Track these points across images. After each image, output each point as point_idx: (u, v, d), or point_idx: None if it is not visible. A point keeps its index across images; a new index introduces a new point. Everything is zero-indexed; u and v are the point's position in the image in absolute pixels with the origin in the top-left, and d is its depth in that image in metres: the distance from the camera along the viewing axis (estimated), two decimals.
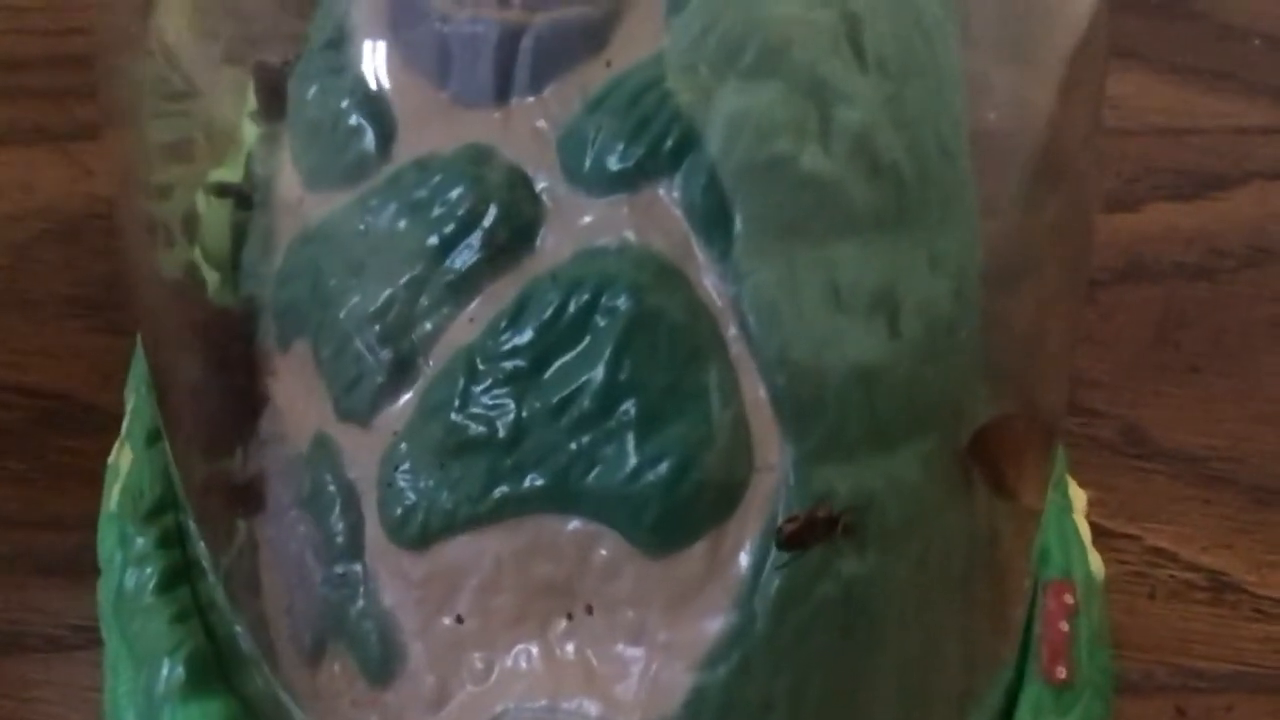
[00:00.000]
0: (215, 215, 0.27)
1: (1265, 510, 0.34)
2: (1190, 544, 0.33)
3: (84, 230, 0.38)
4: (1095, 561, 0.29)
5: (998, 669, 0.25)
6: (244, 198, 0.26)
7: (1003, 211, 0.24)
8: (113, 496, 0.29)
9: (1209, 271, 0.39)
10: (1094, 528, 0.30)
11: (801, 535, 0.20)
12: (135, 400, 0.30)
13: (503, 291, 0.21)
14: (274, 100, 0.26)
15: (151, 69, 0.27)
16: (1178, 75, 0.43)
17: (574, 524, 0.21)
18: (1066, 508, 0.29)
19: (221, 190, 0.27)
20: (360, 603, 0.23)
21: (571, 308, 0.21)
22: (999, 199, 0.24)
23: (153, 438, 0.29)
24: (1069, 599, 0.27)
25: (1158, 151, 0.41)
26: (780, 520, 0.21)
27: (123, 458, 0.29)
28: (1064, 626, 0.27)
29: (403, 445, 0.22)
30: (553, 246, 0.21)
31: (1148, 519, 0.34)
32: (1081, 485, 0.30)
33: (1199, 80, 0.43)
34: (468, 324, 0.22)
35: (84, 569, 0.29)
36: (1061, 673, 0.26)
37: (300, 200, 0.24)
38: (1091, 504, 0.30)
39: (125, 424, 0.30)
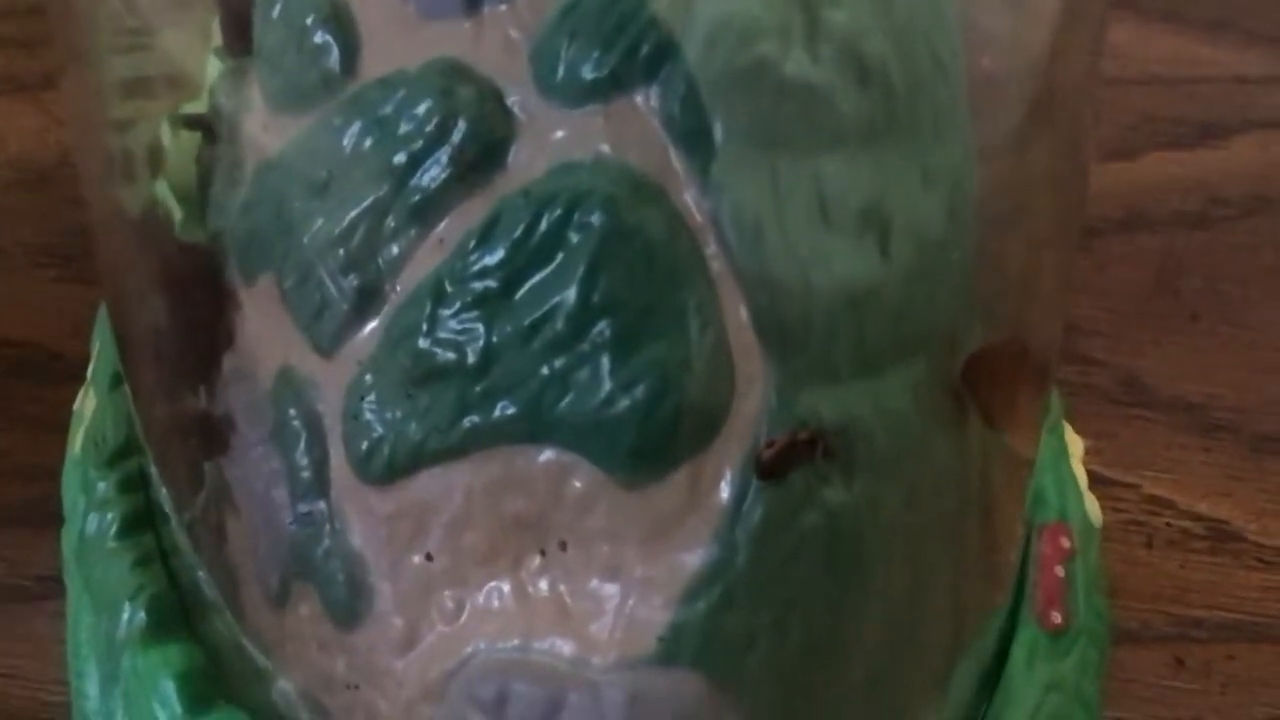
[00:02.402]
0: (181, 149, 0.26)
1: (1265, 459, 0.33)
2: (1189, 492, 0.33)
3: (54, 180, 0.38)
4: (1092, 507, 0.28)
5: (989, 612, 0.25)
6: (211, 130, 0.26)
7: (995, 153, 0.24)
8: (76, 441, 0.28)
9: (1209, 220, 0.38)
10: (1091, 476, 0.29)
11: (780, 460, 0.20)
12: (100, 344, 0.29)
13: (473, 211, 0.20)
14: (240, 30, 0.25)
15: (109, 4, 0.26)
16: (1177, 24, 0.43)
17: (547, 455, 0.20)
18: (1062, 452, 0.28)
19: (188, 122, 0.26)
20: (326, 542, 0.22)
21: (544, 225, 0.20)
22: (991, 140, 0.24)
23: (116, 381, 0.28)
24: (1065, 542, 0.26)
25: (1157, 100, 0.41)
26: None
27: (87, 403, 0.29)
28: (1059, 571, 0.26)
29: (368, 376, 0.21)
30: (525, 162, 0.20)
31: (1146, 467, 0.33)
32: (1079, 434, 0.30)
33: (1198, 29, 0.43)
34: (436, 245, 0.21)
35: (49, 519, 0.28)
36: (1057, 618, 0.25)
37: (265, 127, 0.23)
38: (1089, 452, 0.30)
39: (90, 368, 0.30)
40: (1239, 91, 0.41)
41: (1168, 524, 0.32)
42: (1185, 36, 0.43)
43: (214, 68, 0.26)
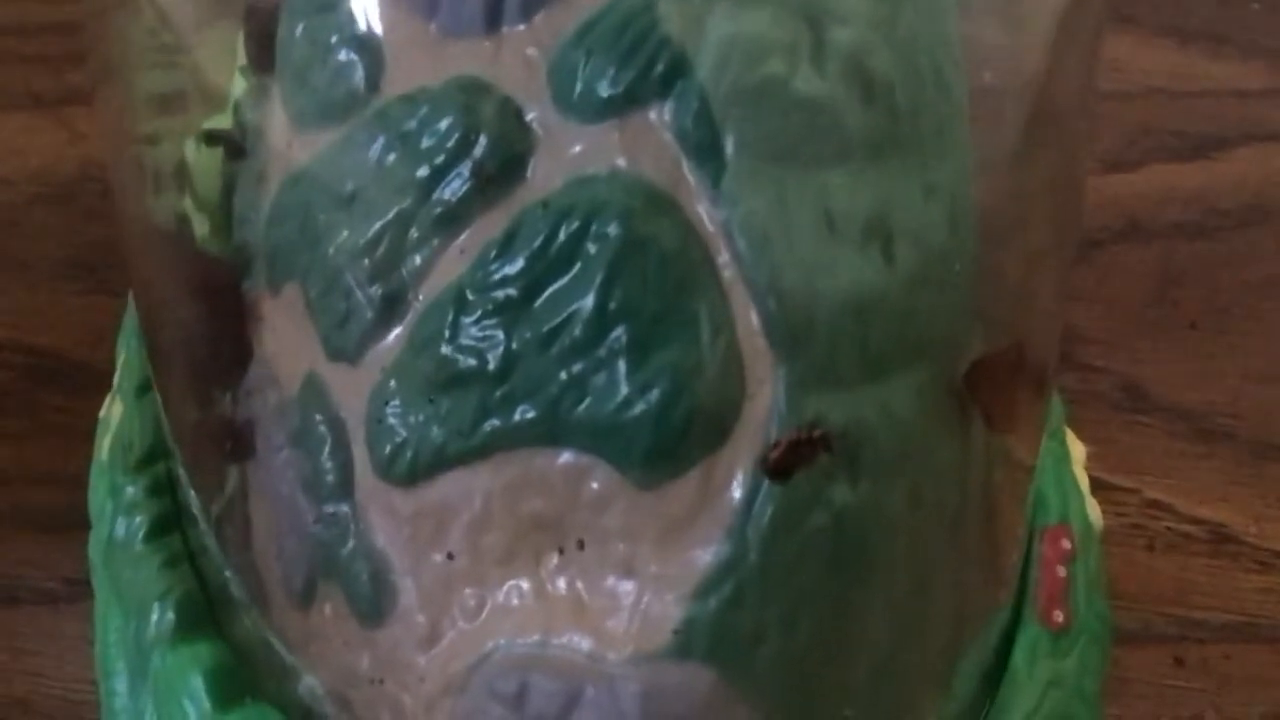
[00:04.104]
0: (205, 163, 0.27)
1: (1263, 464, 0.34)
2: (1188, 497, 0.33)
3: (77, 194, 0.38)
4: (1093, 510, 0.29)
5: (992, 611, 0.25)
6: (234, 146, 0.26)
7: (995, 164, 0.24)
8: (103, 448, 0.29)
9: (1207, 231, 0.39)
10: (1092, 480, 0.30)
11: (787, 460, 0.20)
12: (126, 353, 0.30)
13: (494, 222, 0.21)
14: (264, 48, 0.25)
15: (143, 22, 0.27)
16: (1177, 38, 0.44)
17: (565, 456, 0.21)
18: (1064, 457, 0.29)
19: (211, 138, 0.27)
20: (351, 542, 0.23)
21: (562, 235, 0.21)
22: (991, 152, 0.24)
23: (143, 389, 0.29)
24: (1066, 544, 0.27)
25: (1156, 113, 0.42)
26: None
27: (113, 410, 0.29)
28: (1061, 572, 0.26)
29: (392, 381, 0.22)
30: (544, 175, 0.21)
31: (1146, 472, 0.34)
32: (1081, 439, 0.30)
33: (1198, 42, 0.43)
34: (458, 256, 0.21)
35: (76, 524, 0.29)
36: (1059, 617, 0.26)
37: (290, 144, 0.24)
38: (1090, 458, 0.30)
39: (116, 377, 0.30)
40: (1238, 105, 0.42)
41: (1168, 528, 0.33)
42: (1185, 50, 0.43)
43: (239, 85, 0.26)
